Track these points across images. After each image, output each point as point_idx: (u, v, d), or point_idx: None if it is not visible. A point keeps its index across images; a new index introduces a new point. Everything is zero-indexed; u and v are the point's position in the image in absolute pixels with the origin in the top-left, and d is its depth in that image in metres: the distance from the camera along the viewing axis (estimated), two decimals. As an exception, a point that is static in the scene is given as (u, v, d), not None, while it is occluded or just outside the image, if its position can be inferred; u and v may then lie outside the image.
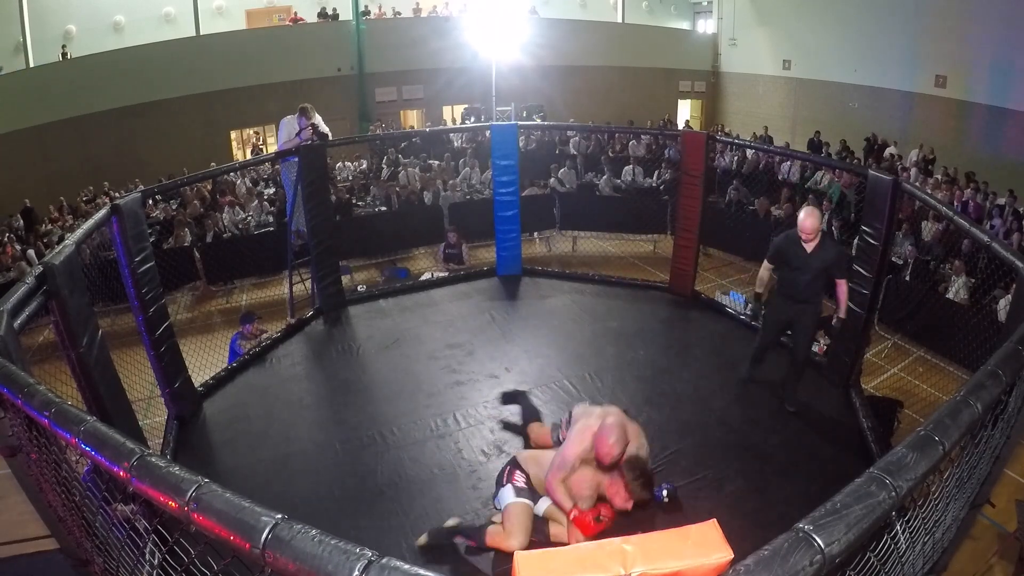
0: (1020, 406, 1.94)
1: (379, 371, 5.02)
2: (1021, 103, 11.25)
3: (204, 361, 5.90)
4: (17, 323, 2.39)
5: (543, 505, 3.04)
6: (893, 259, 7.40)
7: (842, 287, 4.08)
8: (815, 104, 15.51)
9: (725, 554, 1.07)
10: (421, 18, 16.29)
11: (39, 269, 2.79)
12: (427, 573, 0.95)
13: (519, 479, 3.03)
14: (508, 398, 4.26)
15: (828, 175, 10.97)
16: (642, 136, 13.15)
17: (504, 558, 2.98)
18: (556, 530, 3.03)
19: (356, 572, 0.96)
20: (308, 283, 6.31)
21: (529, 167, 10.30)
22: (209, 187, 11.23)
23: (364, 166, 13.39)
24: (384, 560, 0.97)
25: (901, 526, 1.45)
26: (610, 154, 12.52)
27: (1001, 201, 9.79)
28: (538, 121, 15.39)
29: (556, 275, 6.80)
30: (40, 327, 6.11)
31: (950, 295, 7.13)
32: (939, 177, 11.17)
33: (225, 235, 9.51)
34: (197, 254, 8.72)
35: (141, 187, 4.58)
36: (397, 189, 10.71)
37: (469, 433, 4.14)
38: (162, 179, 10.21)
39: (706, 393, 4.53)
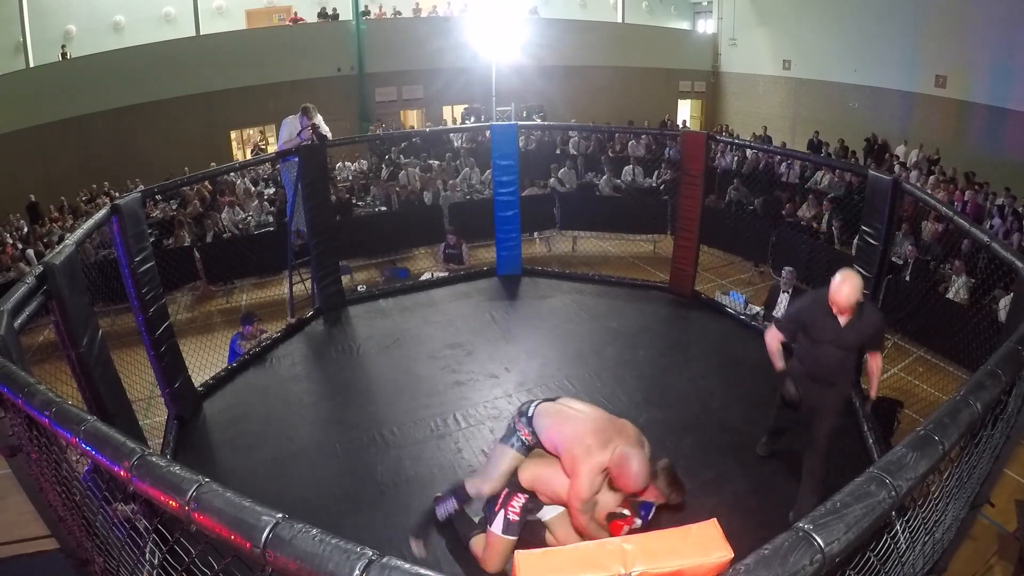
0: (1020, 406, 1.94)
1: (379, 371, 5.02)
2: (1021, 103, 11.25)
3: (204, 361, 5.90)
4: (17, 323, 2.39)
5: (549, 513, 2.93)
6: (893, 259, 7.40)
7: (876, 362, 3.22)
8: (815, 104, 15.51)
9: (725, 553, 1.07)
10: (421, 18, 16.29)
11: (39, 269, 2.79)
12: (427, 573, 0.96)
13: (514, 507, 2.80)
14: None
15: (828, 175, 10.98)
16: (642, 136, 13.15)
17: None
18: (561, 535, 2.91)
19: (357, 571, 0.96)
20: (308, 283, 6.31)
21: (529, 167, 10.31)
22: (209, 187, 11.23)
23: (365, 166, 13.38)
24: (385, 559, 0.97)
25: (901, 526, 1.45)
26: (610, 154, 12.52)
27: (1001, 201, 9.80)
28: (538, 121, 15.39)
29: (556, 275, 6.80)
30: (40, 327, 6.11)
31: (950, 295, 7.13)
32: (938, 177, 11.18)
33: (225, 235, 9.51)
34: (197, 254, 8.72)
35: (141, 187, 4.57)
36: (397, 189, 10.72)
37: (469, 433, 4.14)
38: (165, 178, 10.21)
39: (706, 393, 4.53)
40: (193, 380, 4.62)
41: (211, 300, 8.89)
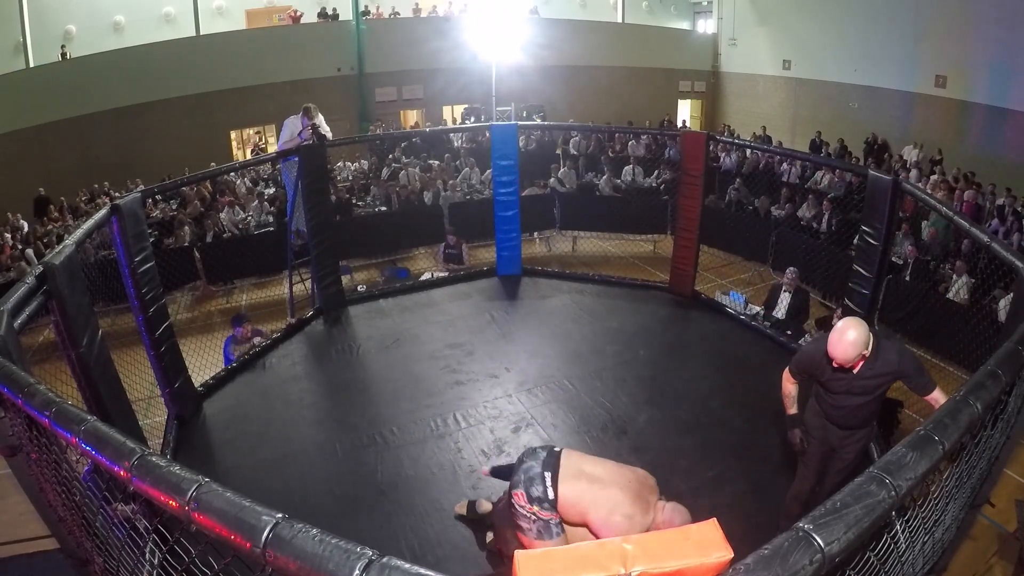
0: (1020, 406, 1.94)
1: (379, 371, 5.02)
2: (1021, 103, 11.25)
3: (204, 361, 5.89)
4: (17, 323, 2.39)
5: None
6: (893, 259, 7.40)
7: (936, 399, 2.69)
8: (815, 104, 15.50)
9: (725, 553, 1.07)
10: (421, 18, 16.28)
11: (39, 269, 2.79)
12: (428, 572, 0.96)
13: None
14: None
15: (828, 175, 10.98)
16: (642, 136, 13.15)
17: (505, 558, 2.99)
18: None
19: (357, 571, 0.96)
20: (308, 283, 6.31)
21: (529, 167, 10.30)
22: (209, 187, 11.23)
23: (365, 166, 13.38)
24: (385, 559, 0.97)
25: (901, 525, 1.45)
26: (610, 154, 12.52)
27: (1001, 201, 9.80)
28: (538, 121, 15.39)
29: (556, 275, 6.81)
30: (40, 327, 6.11)
31: (950, 295, 7.13)
32: (939, 178, 11.18)
33: (225, 235, 9.51)
34: (197, 254, 8.72)
35: (141, 187, 4.58)
36: (397, 189, 10.71)
37: (469, 433, 4.14)
38: (165, 178, 10.21)
39: (706, 393, 4.53)
40: (193, 380, 4.62)
41: (211, 300, 8.89)
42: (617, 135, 13.48)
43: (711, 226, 6.54)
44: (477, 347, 5.23)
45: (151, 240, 4.45)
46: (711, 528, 1.13)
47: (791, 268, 6.25)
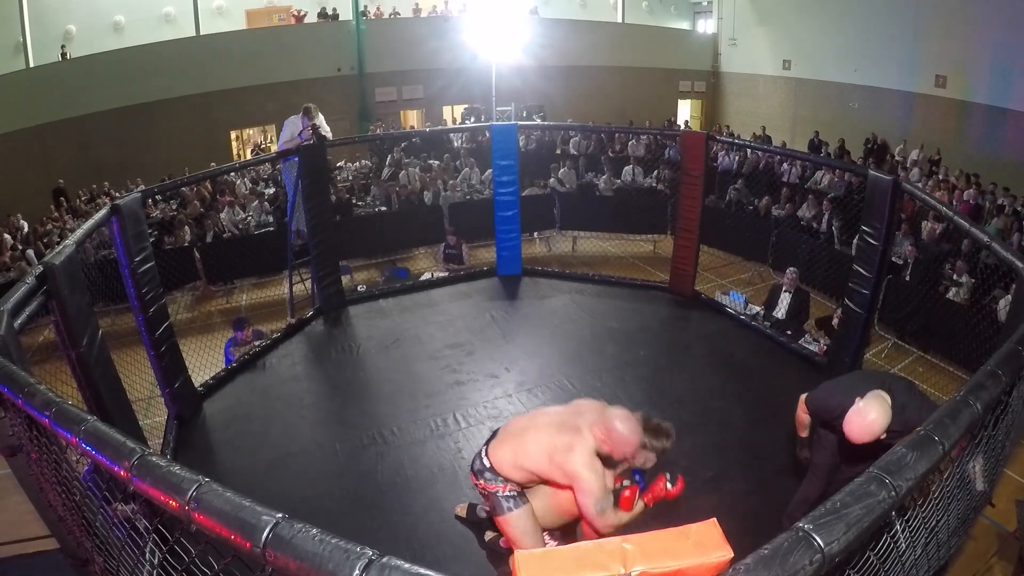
0: (1020, 406, 1.94)
1: (379, 371, 5.02)
2: (1021, 103, 11.25)
3: (204, 361, 5.89)
4: (17, 323, 2.39)
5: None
6: (893, 259, 7.40)
7: None
8: (815, 104, 15.50)
9: (725, 553, 1.07)
10: (421, 18, 16.29)
11: (39, 269, 2.79)
12: (428, 572, 0.96)
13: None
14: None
15: (828, 175, 10.98)
16: (642, 136, 13.15)
17: (505, 558, 2.99)
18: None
19: (357, 571, 0.96)
20: (308, 283, 6.31)
21: (529, 167, 10.30)
22: (209, 187, 11.23)
23: (366, 167, 13.38)
24: (385, 559, 0.97)
25: (901, 525, 1.45)
26: (610, 154, 12.52)
27: (1001, 201, 9.79)
28: (538, 121, 15.39)
29: (556, 275, 6.81)
30: (40, 327, 6.11)
31: (950, 295, 7.13)
32: (939, 178, 11.18)
33: (225, 235, 9.51)
34: (197, 254, 8.72)
35: (141, 187, 4.58)
36: (397, 189, 10.71)
37: (469, 433, 4.14)
38: (165, 178, 10.21)
39: (706, 393, 4.53)
40: (193, 380, 4.62)
41: (211, 300, 8.89)
42: (617, 135, 13.48)
43: (711, 226, 6.54)
44: (477, 347, 5.23)
45: (151, 240, 4.45)
46: (711, 528, 1.13)
47: (791, 268, 6.25)
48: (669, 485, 2.53)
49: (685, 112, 18.77)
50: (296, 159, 5.47)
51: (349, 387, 4.81)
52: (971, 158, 11.65)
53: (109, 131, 13.10)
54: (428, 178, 11.33)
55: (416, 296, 6.34)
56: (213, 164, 10.65)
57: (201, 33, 14.27)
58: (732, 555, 1.06)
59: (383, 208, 10.39)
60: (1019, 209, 9.41)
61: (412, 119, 16.99)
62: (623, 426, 2.35)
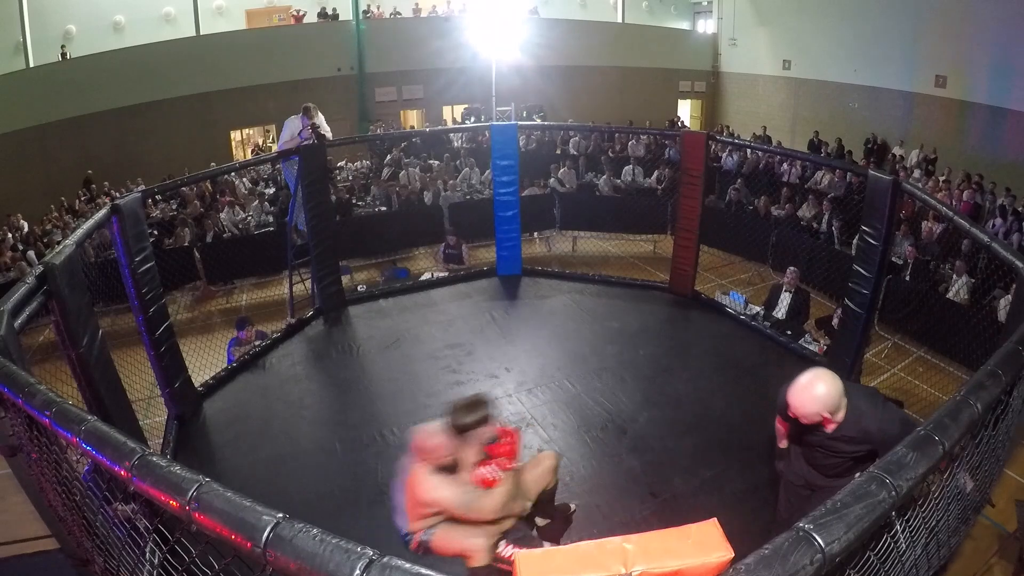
0: (1020, 406, 1.94)
1: (379, 371, 5.02)
2: (1021, 103, 11.25)
3: (204, 361, 5.89)
4: (17, 323, 2.39)
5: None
6: (893, 259, 7.40)
7: None
8: (815, 104, 15.50)
9: (725, 553, 1.07)
10: (421, 18, 16.29)
11: (39, 269, 2.79)
12: (428, 572, 0.96)
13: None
14: None
15: (828, 175, 10.98)
16: (642, 136, 13.15)
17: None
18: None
19: (357, 571, 0.96)
20: (308, 283, 6.31)
21: (529, 167, 10.29)
22: (209, 187, 11.23)
23: (366, 167, 13.38)
24: (385, 559, 0.97)
25: (901, 525, 1.45)
26: (610, 154, 12.52)
27: (1002, 201, 9.79)
28: (538, 121, 15.39)
29: (556, 275, 6.80)
30: (40, 327, 6.11)
31: (950, 295, 7.13)
32: (937, 177, 11.18)
33: (225, 235, 9.51)
34: (197, 254, 8.71)
35: (141, 187, 4.58)
36: (397, 189, 10.71)
37: (469, 433, 4.13)
38: (165, 178, 10.21)
39: (706, 393, 4.53)
40: (193, 380, 4.63)
41: (211, 300, 8.89)
42: (617, 135, 13.48)
43: (711, 226, 6.53)
44: (477, 347, 5.23)
45: (151, 240, 4.45)
46: (711, 528, 1.13)
47: (791, 268, 6.25)
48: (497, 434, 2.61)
49: (685, 112, 18.77)
50: (296, 158, 5.47)
51: (349, 387, 4.81)
52: (971, 158, 11.65)
53: (109, 131, 13.10)
54: (428, 178, 11.33)
55: (416, 296, 6.34)
56: (213, 164, 10.66)
57: (201, 33, 14.27)
58: (732, 555, 1.06)
59: (383, 208, 10.38)
60: (1020, 209, 9.40)
61: (412, 119, 16.99)
62: (425, 440, 2.45)
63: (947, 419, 1.33)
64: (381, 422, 4.27)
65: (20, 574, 3.28)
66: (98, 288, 4.26)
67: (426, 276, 7.08)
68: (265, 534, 1.04)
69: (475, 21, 14.96)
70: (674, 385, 4.65)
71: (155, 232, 8.78)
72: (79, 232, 3.31)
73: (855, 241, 5.58)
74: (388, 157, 12.67)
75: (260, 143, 15.81)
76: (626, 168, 11.57)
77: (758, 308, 6.29)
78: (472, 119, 15.48)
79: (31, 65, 12.71)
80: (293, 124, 5.95)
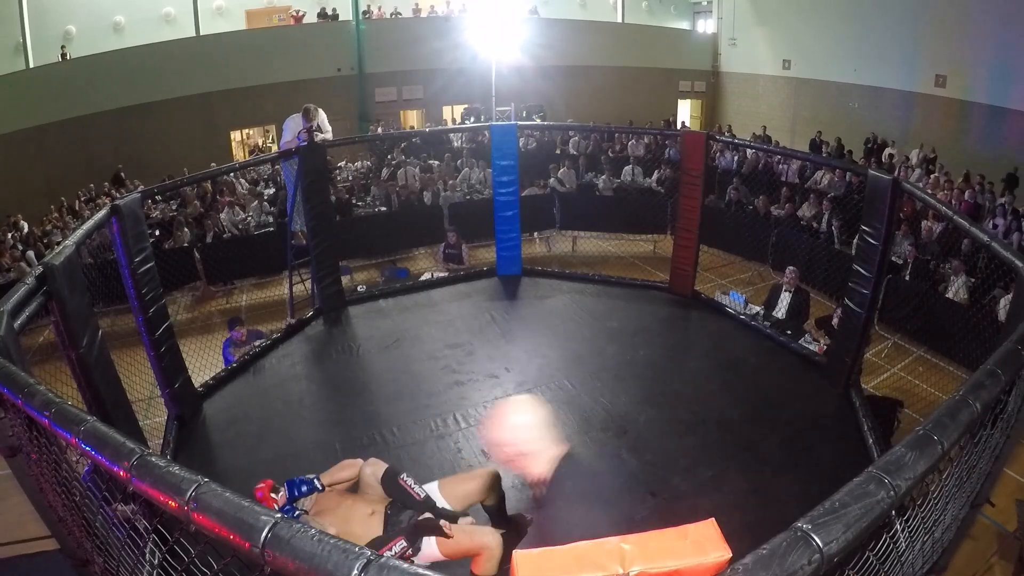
0: (1020, 406, 1.94)
1: (379, 371, 5.02)
2: (1021, 103, 11.24)
3: (204, 361, 5.90)
4: (17, 323, 2.39)
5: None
6: (893, 259, 7.39)
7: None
8: (815, 104, 15.50)
9: (723, 553, 1.07)
10: (421, 18, 16.29)
11: (39, 269, 2.79)
12: (427, 572, 0.96)
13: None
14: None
15: (828, 175, 10.98)
16: (642, 136, 13.15)
17: (503, 558, 2.98)
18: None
19: (355, 571, 0.96)
20: (308, 283, 6.31)
21: (529, 167, 10.29)
22: (209, 187, 11.22)
23: (366, 167, 13.38)
24: (383, 559, 0.97)
25: (900, 525, 1.45)
26: (610, 154, 12.52)
27: (1002, 200, 9.79)
28: (538, 121, 15.39)
29: (556, 275, 6.80)
30: (40, 327, 6.11)
31: (950, 295, 7.13)
32: (938, 176, 11.17)
33: (225, 235, 9.51)
34: (197, 254, 8.72)
35: (141, 187, 4.58)
36: (397, 189, 10.71)
37: (469, 433, 4.14)
38: (165, 178, 10.21)
39: (706, 393, 4.53)
40: (193, 380, 4.62)
41: (211, 300, 8.89)
42: (617, 135, 13.48)
43: (711, 226, 6.53)
44: (477, 347, 5.23)
45: (151, 240, 4.45)
46: (709, 528, 1.13)
47: (791, 267, 6.25)
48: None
49: (685, 112, 18.76)
50: (296, 159, 5.47)
51: (349, 387, 4.81)
52: (971, 158, 11.64)
53: (109, 131, 13.10)
54: (428, 178, 11.33)
55: (416, 296, 6.34)
56: (213, 164, 10.66)
57: (201, 33, 14.27)
58: (730, 555, 1.06)
59: (383, 208, 10.39)
60: (1020, 209, 9.39)
61: (412, 119, 16.99)
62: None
63: (946, 419, 1.33)
64: (381, 422, 4.28)
65: (20, 574, 3.29)
66: (98, 288, 4.27)
67: (426, 276, 7.08)
68: (263, 534, 1.04)
69: (475, 21, 14.97)
70: (674, 385, 4.66)
71: (156, 232, 8.80)
72: (79, 232, 3.31)
73: (855, 241, 5.58)
74: (388, 157, 12.67)
75: (260, 143, 15.81)
76: (626, 168, 11.57)
77: (758, 308, 6.29)
78: (472, 119, 15.48)
79: (31, 65, 12.71)
80: (294, 124, 5.94)
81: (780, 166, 11.83)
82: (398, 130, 15.03)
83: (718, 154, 12.26)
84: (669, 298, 6.07)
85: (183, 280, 8.54)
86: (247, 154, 15.23)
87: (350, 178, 12.52)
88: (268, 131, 15.63)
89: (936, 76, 12.70)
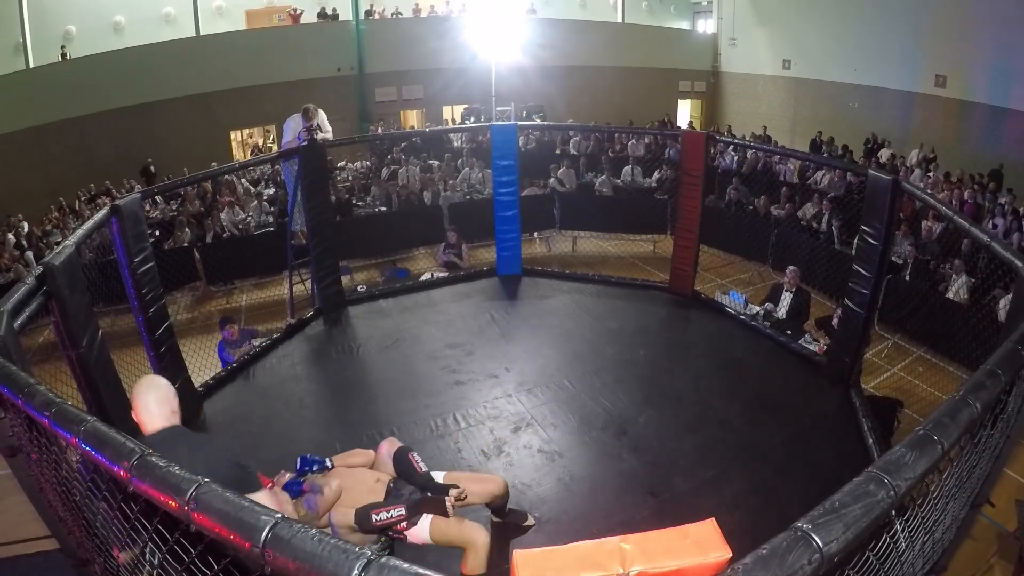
0: (1019, 406, 1.94)
1: (379, 371, 5.02)
2: (1021, 103, 11.25)
3: (204, 361, 5.89)
4: (17, 323, 2.40)
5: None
6: (893, 259, 7.39)
7: None
8: (815, 104, 15.50)
9: (723, 553, 1.07)
10: (421, 18, 16.29)
11: (39, 269, 2.79)
12: (426, 572, 0.96)
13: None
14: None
15: (828, 175, 10.98)
16: (643, 136, 13.14)
17: (503, 557, 2.98)
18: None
19: (356, 571, 0.96)
20: (308, 283, 6.31)
21: (529, 167, 10.29)
22: (209, 187, 11.23)
23: (366, 167, 13.38)
24: (384, 559, 0.97)
25: (900, 525, 1.45)
26: (610, 154, 12.52)
27: (1003, 200, 9.79)
28: (538, 121, 15.39)
29: (556, 275, 6.80)
30: (40, 327, 6.11)
31: (950, 295, 7.13)
32: (938, 176, 11.17)
33: (225, 235, 9.51)
34: (197, 254, 8.72)
35: (140, 188, 4.58)
36: (397, 189, 10.71)
37: (469, 433, 4.14)
38: (165, 178, 10.21)
39: (706, 393, 4.53)
40: (193, 380, 4.62)
41: (211, 300, 8.89)
42: (617, 135, 13.48)
43: (711, 226, 6.53)
44: (477, 347, 5.23)
45: (151, 240, 4.45)
46: (709, 528, 1.13)
47: (791, 267, 6.25)
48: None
49: (685, 112, 18.77)
50: (296, 159, 5.47)
51: (349, 387, 4.81)
52: (971, 158, 11.64)
53: (109, 131, 13.11)
54: (428, 178, 11.33)
55: (416, 296, 6.34)
56: (213, 164, 10.66)
57: (201, 33, 14.28)
58: (731, 555, 1.06)
59: (383, 208, 10.39)
60: (1020, 210, 9.40)
61: (412, 119, 17.00)
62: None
63: (946, 419, 1.33)
64: (381, 422, 4.27)
65: (20, 574, 3.29)
66: (98, 288, 4.26)
67: (426, 276, 7.08)
68: (264, 534, 1.04)
69: (475, 21, 14.97)
70: (674, 385, 4.65)
71: (156, 232, 8.80)
72: (79, 232, 3.31)
73: (855, 241, 5.58)
74: (388, 157, 12.67)
75: (260, 143, 15.82)
76: (626, 168, 11.57)
77: (758, 308, 6.29)
78: (472, 119, 15.48)
79: (31, 65, 12.72)
80: (294, 123, 5.93)
81: (779, 166, 11.83)
82: (398, 130, 15.03)
83: (729, 155, 12.27)
84: (669, 298, 6.07)
85: (183, 280, 8.54)
86: (247, 154, 15.24)
87: (350, 178, 12.52)
88: (268, 131, 15.64)
89: (936, 76, 12.71)
